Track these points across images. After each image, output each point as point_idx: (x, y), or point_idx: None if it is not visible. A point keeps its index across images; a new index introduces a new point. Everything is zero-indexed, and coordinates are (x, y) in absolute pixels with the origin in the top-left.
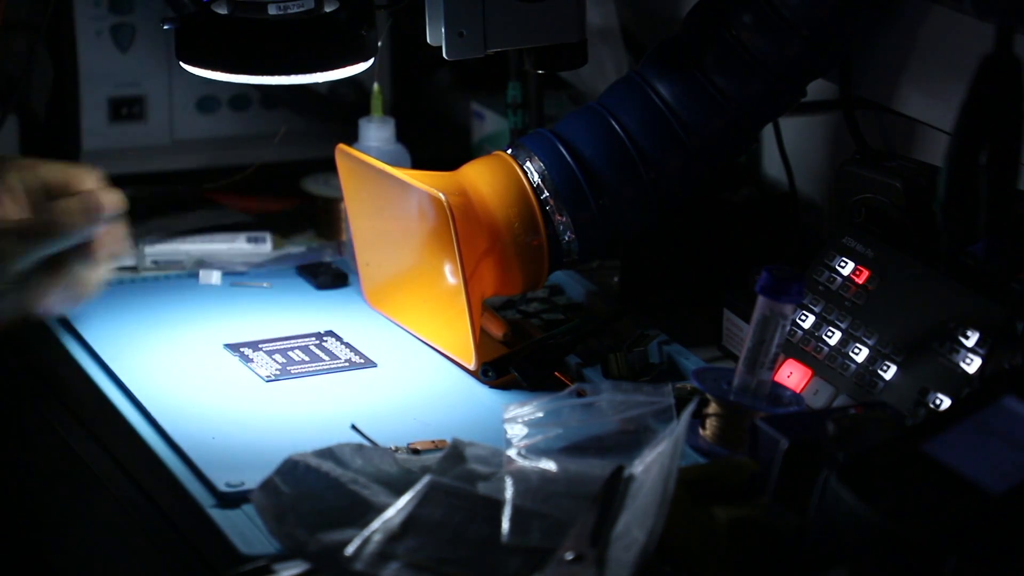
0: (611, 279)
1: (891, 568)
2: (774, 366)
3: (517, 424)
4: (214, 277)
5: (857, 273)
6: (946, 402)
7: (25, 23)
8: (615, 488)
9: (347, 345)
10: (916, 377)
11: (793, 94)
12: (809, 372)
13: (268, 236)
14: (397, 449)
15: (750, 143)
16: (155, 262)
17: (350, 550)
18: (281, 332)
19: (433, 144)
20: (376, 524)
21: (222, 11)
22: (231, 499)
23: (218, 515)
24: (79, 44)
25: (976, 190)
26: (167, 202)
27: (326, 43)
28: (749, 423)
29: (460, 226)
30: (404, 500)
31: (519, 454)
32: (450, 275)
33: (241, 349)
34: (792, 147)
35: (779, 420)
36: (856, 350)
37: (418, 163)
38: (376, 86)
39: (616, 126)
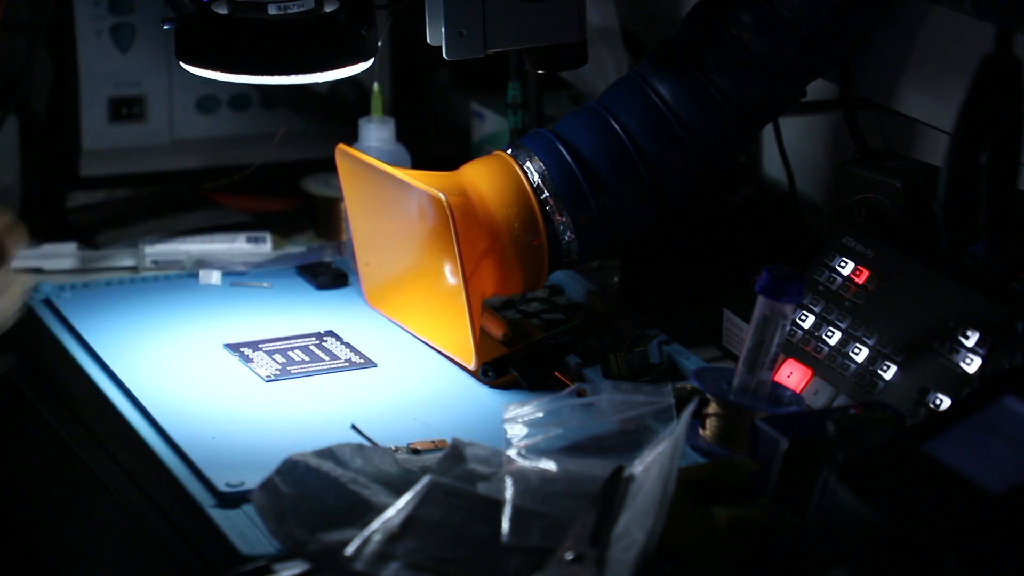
0: (611, 279)
1: (891, 568)
2: (774, 366)
3: (517, 424)
4: (214, 277)
5: (857, 273)
6: (946, 402)
7: (25, 23)
8: (615, 488)
9: (347, 345)
10: (916, 377)
11: (793, 94)
12: (809, 372)
13: (268, 236)
14: (397, 449)
15: (750, 143)
16: (155, 262)
17: (350, 550)
18: (281, 332)
19: (433, 144)
20: (376, 524)
21: (222, 11)
22: (231, 499)
23: (218, 515)
24: (79, 44)
25: (976, 190)
26: (167, 202)
27: (326, 43)
28: (749, 423)
29: (460, 226)
30: (404, 500)
31: (519, 454)
32: (450, 275)
33: (241, 349)
34: (792, 147)
35: (779, 420)
36: (856, 350)
37: (418, 163)
38: (376, 86)
39: (616, 126)
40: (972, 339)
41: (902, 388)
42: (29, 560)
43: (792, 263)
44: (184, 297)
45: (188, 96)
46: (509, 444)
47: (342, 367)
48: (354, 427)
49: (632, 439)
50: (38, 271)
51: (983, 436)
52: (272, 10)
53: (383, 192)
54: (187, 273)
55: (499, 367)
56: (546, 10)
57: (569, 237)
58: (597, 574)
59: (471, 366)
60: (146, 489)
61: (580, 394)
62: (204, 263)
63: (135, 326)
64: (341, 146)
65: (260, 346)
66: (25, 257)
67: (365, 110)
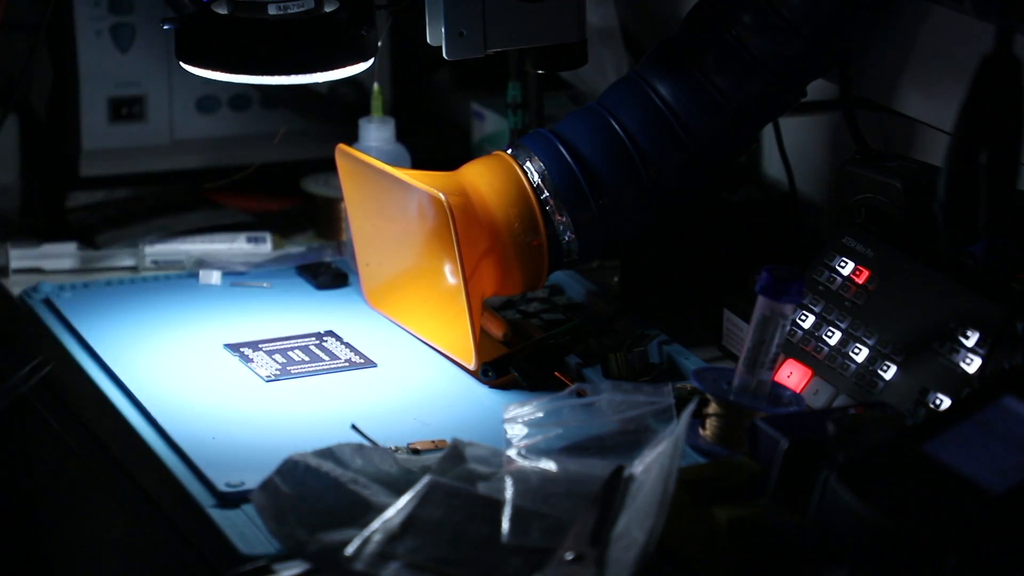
0: (611, 279)
1: (891, 568)
2: (774, 366)
3: (517, 424)
4: (214, 277)
5: (857, 273)
6: (946, 402)
7: (25, 23)
8: (615, 488)
9: (347, 345)
10: (916, 377)
11: (793, 94)
12: (809, 372)
13: (268, 236)
14: (397, 449)
15: (750, 143)
16: (155, 262)
17: (350, 550)
18: (281, 332)
19: (433, 144)
20: (376, 524)
21: (222, 11)
22: (231, 499)
23: (218, 515)
24: (79, 44)
25: (976, 190)
26: (167, 202)
27: (326, 43)
28: (749, 423)
29: (460, 226)
30: (404, 500)
31: (519, 454)
32: (450, 275)
33: (241, 349)
34: (792, 147)
35: (779, 420)
36: (856, 350)
37: (418, 163)
38: (376, 86)
39: (616, 126)
40: (972, 339)
41: (902, 388)
42: (29, 560)
43: (792, 263)
44: (184, 297)
45: (188, 96)
46: (509, 444)
47: (342, 367)
48: (354, 427)
49: (632, 439)
50: (38, 271)
51: (983, 436)
52: (272, 10)
53: (383, 192)
54: (187, 273)
55: (499, 367)
56: (546, 10)
57: (569, 237)
58: (597, 574)
59: (471, 366)
60: (146, 489)
61: (580, 394)
62: (204, 263)
63: (135, 326)
64: (341, 146)
65: (260, 346)
66: (25, 257)
67: (365, 110)
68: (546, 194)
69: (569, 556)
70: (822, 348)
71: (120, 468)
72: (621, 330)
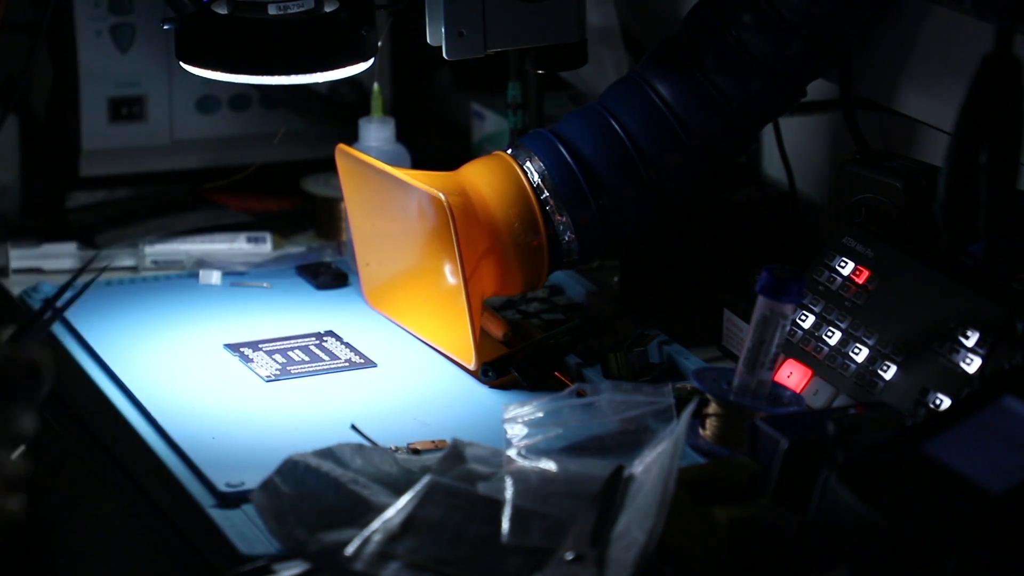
0: (611, 279)
1: (891, 568)
2: (774, 366)
3: (517, 424)
4: (214, 277)
5: (857, 273)
6: (946, 402)
7: (25, 23)
8: (615, 488)
9: (347, 345)
10: (916, 377)
11: (793, 94)
12: (809, 372)
13: (268, 236)
14: (397, 449)
15: (750, 143)
16: (155, 262)
17: (350, 550)
18: (281, 332)
19: (433, 144)
20: (376, 524)
21: (222, 11)
22: (231, 499)
23: (218, 515)
24: (79, 44)
25: (976, 190)
26: (167, 202)
27: (326, 43)
28: (749, 423)
29: (460, 226)
30: (404, 500)
31: (519, 454)
32: (450, 275)
33: (241, 349)
34: (792, 147)
35: (779, 420)
36: (856, 350)
37: (418, 163)
38: (376, 86)
39: (616, 126)
40: (972, 339)
41: (902, 388)
42: (29, 560)
43: (792, 263)
44: (184, 297)
45: (188, 96)
46: (509, 444)
47: (342, 367)
48: (354, 427)
49: (632, 439)
50: (38, 271)
51: (983, 436)
52: (272, 10)
53: (383, 192)
54: (187, 273)
55: (499, 367)
56: (546, 10)
57: (569, 237)
58: (597, 574)
59: (471, 366)
60: (146, 489)
61: (580, 394)
62: (204, 263)
63: (135, 326)
64: (341, 146)
65: (260, 346)
66: (25, 257)
67: (365, 110)
68: (546, 194)
69: (569, 556)
70: (822, 348)
71: (120, 468)
72: (621, 330)
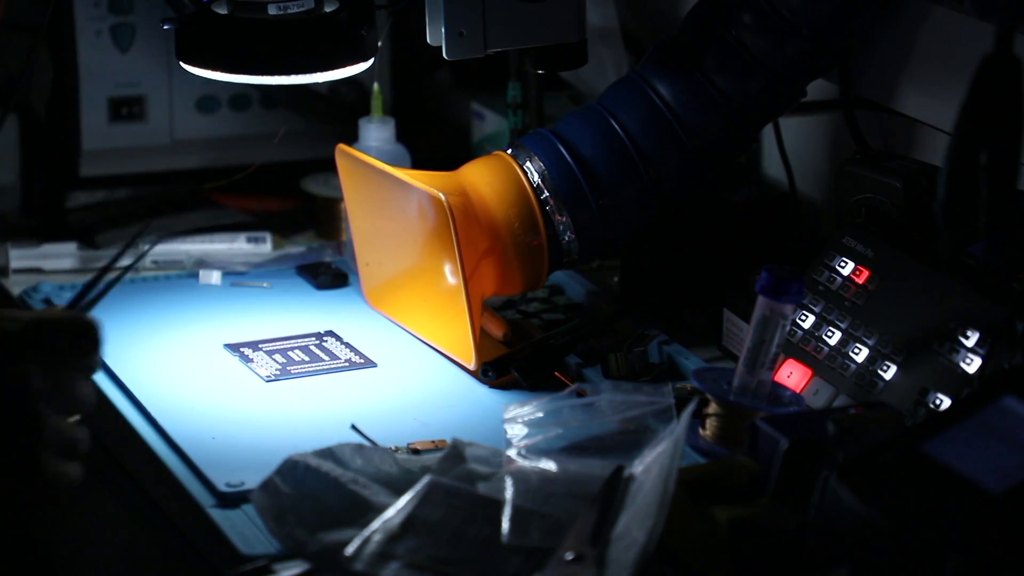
0: (611, 279)
1: (891, 568)
2: (774, 366)
3: (517, 424)
4: (214, 277)
5: (857, 273)
6: (946, 402)
7: (25, 23)
8: (615, 488)
9: (347, 345)
10: (916, 377)
11: (793, 94)
12: (809, 372)
13: (268, 236)
14: (397, 449)
15: (750, 143)
16: (155, 262)
17: (350, 550)
18: (281, 332)
19: (433, 144)
20: (376, 524)
21: (222, 11)
22: (231, 499)
23: (218, 515)
24: (79, 44)
25: (976, 190)
26: (167, 202)
27: (326, 43)
28: (749, 423)
29: (460, 226)
30: (404, 500)
31: (519, 454)
32: (450, 275)
33: (241, 349)
34: (792, 147)
35: (779, 420)
36: (856, 350)
37: (418, 163)
38: (376, 86)
39: (616, 126)
40: (972, 339)
41: (902, 388)
42: (29, 560)
43: (792, 263)
44: (184, 297)
45: (188, 96)
46: (509, 444)
47: (342, 367)
48: (354, 427)
49: (632, 439)
50: (38, 271)
51: (983, 436)
52: (272, 10)
53: (383, 192)
54: (187, 273)
55: (499, 367)
56: (546, 10)
57: (569, 237)
58: (597, 574)
59: (471, 366)
60: (146, 489)
61: (580, 394)
62: (204, 263)
63: (135, 326)
64: (341, 146)
65: (260, 346)
66: (25, 257)
67: (365, 110)
68: (546, 194)
69: (569, 556)
70: (822, 348)
71: (120, 468)
72: (621, 330)
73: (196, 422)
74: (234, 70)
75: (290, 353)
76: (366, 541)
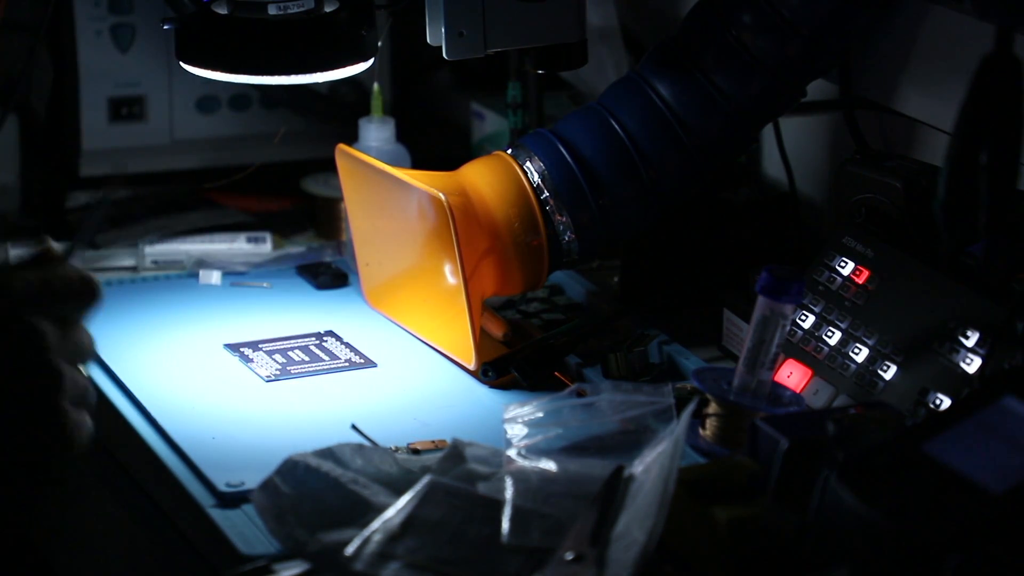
0: (611, 279)
1: (891, 568)
2: (774, 366)
3: (517, 424)
4: (214, 277)
5: (857, 273)
6: (946, 402)
7: (25, 23)
8: (615, 488)
9: (347, 345)
10: (916, 377)
11: (793, 94)
12: (809, 372)
13: (268, 236)
14: (397, 449)
15: (750, 143)
16: (155, 262)
17: (350, 550)
18: (281, 332)
19: (433, 144)
20: (376, 524)
21: (222, 11)
22: (231, 499)
23: (218, 515)
24: (79, 44)
25: (976, 190)
26: (167, 202)
27: (326, 43)
28: (749, 423)
29: (460, 226)
30: (404, 500)
31: (519, 454)
32: (450, 275)
33: (241, 349)
34: (792, 147)
35: (779, 420)
36: (856, 350)
37: (418, 163)
38: (376, 86)
39: (616, 126)
40: (972, 339)
41: (902, 388)
42: (29, 560)
43: (792, 263)
44: (184, 297)
45: (188, 96)
46: (509, 444)
47: (342, 367)
48: (354, 427)
49: (632, 439)
50: None
51: (983, 436)
52: (272, 10)
53: (383, 192)
54: (187, 273)
55: (499, 367)
56: (546, 10)
57: (569, 237)
58: (597, 574)
59: (471, 366)
60: (146, 489)
61: (580, 394)
62: (204, 263)
63: (135, 326)
64: (341, 146)
65: (260, 346)
66: None
67: (365, 110)
68: (546, 194)
69: (569, 556)
70: (822, 348)
71: (120, 468)
72: (621, 330)
73: (196, 422)
74: (234, 70)
75: (290, 353)
76: (366, 541)
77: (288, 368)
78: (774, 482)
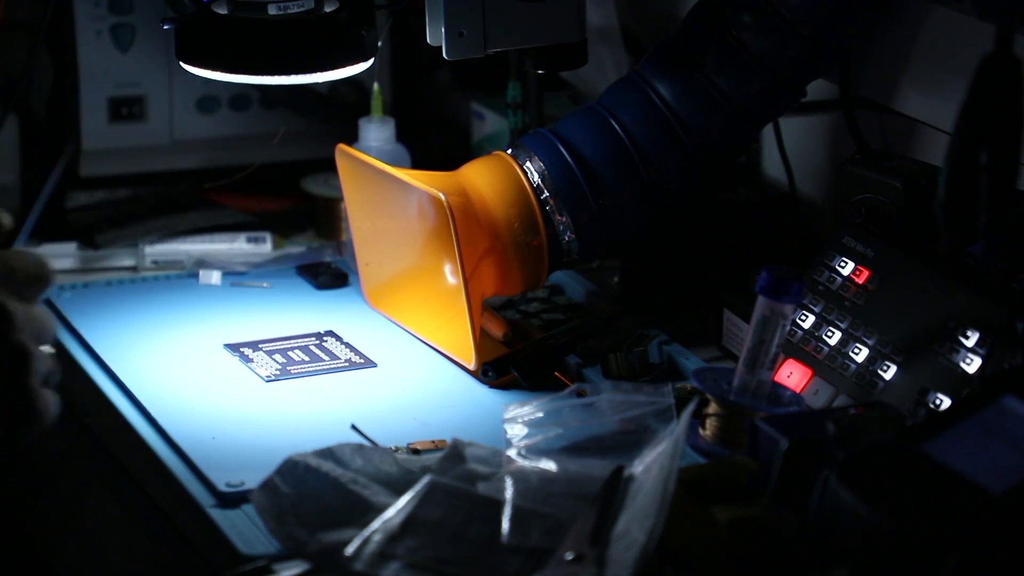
0: (611, 279)
1: (891, 568)
2: (774, 366)
3: (517, 424)
4: (214, 277)
5: (857, 273)
6: (946, 402)
7: (25, 23)
8: (615, 488)
9: (347, 345)
10: (916, 377)
11: (793, 94)
12: (809, 372)
13: (268, 236)
14: (397, 449)
15: (750, 143)
16: (155, 262)
17: (350, 550)
18: (281, 332)
19: (433, 144)
20: (376, 524)
21: (222, 11)
22: (231, 499)
23: (218, 515)
24: (79, 44)
25: (976, 190)
26: (167, 202)
27: (326, 43)
28: (749, 423)
29: (460, 226)
30: (404, 500)
31: (519, 454)
32: (450, 275)
33: (241, 349)
34: (792, 147)
35: (779, 420)
36: (856, 350)
37: (418, 163)
38: (376, 86)
39: (616, 126)
40: (972, 339)
41: (902, 388)
42: (29, 560)
43: (792, 263)
44: (184, 297)
45: (188, 96)
46: (509, 444)
47: (342, 367)
48: (354, 427)
49: (632, 439)
50: None
51: (983, 436)
52: (272, 10)
53: (383, 192)
54: (187, 273)
55: (499, 367)
56: (546, 10)
57: (569, 237)
58: (597, 574)
59: (471, 366)
60: (146, 489)
61: (580, 394)
62: (204, 263)
63: (135, 326)
64: (341, 146)
65: (260, 346)
66: None
67: (365, 110)
68: (546, 194)
69: (569, 556)
70: (822, 348)
71: (120, 468)
72: (621, 330)
73: (196, 422)
74: (234, 70)
75: (290, 353)
76: (366, 541)
77: (288, 368)
78: (774, 482)
